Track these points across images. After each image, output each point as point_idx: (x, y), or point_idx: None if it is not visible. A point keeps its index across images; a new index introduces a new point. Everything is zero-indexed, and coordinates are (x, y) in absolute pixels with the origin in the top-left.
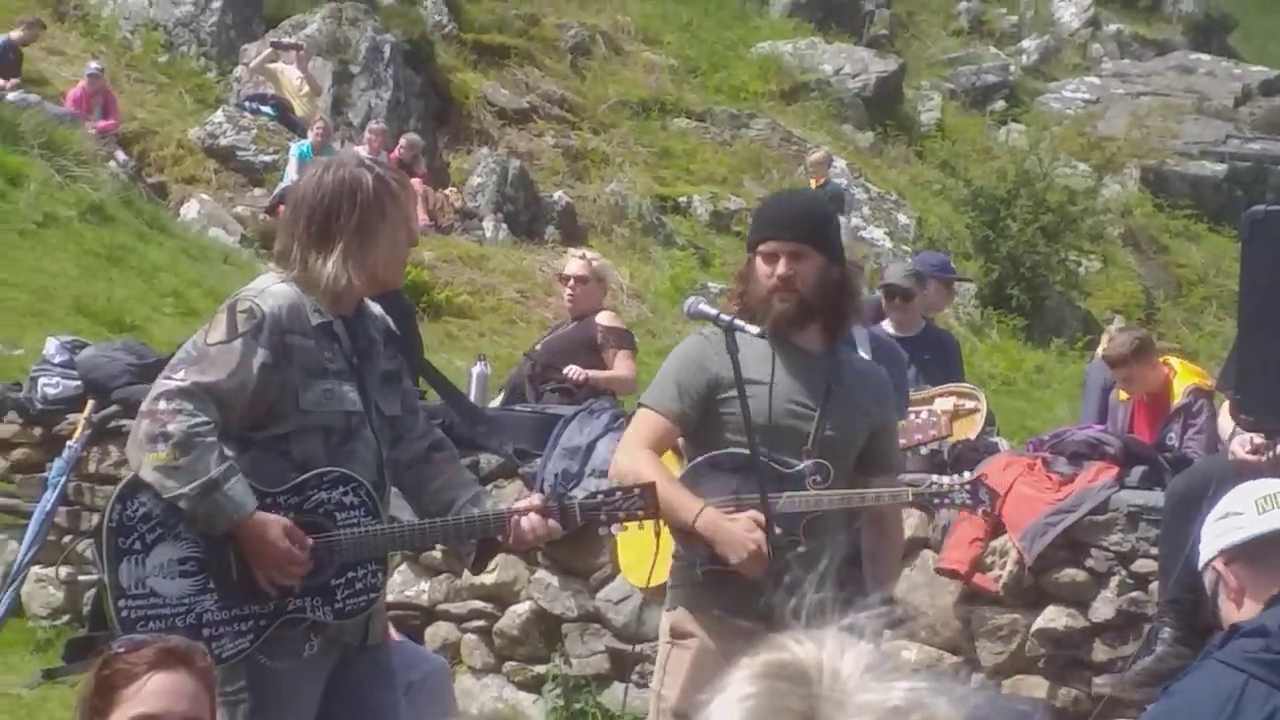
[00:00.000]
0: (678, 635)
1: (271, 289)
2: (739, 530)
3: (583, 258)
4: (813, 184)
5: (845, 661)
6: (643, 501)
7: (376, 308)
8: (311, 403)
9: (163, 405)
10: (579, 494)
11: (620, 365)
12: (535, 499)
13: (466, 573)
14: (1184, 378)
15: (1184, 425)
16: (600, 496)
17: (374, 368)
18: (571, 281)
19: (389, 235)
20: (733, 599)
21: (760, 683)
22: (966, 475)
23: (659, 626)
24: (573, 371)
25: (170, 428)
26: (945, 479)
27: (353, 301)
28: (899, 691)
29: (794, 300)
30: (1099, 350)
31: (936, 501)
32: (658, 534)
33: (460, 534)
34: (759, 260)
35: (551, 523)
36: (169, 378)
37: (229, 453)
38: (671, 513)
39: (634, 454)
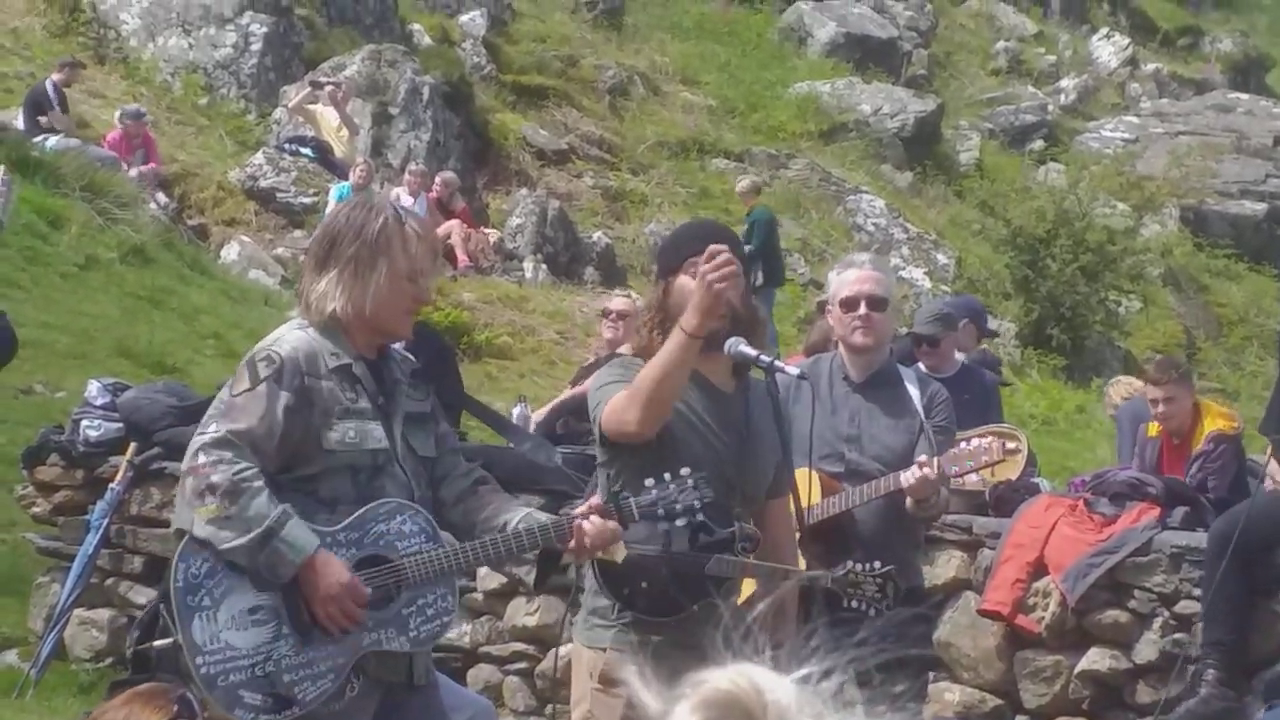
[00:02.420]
0: (606, 682)
1: (286, 336)
2: (703, 289)
3: (628, 295)
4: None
5: (784, 694)
6: (698, 492)
7: (401, 350)
8: (334, 443)
9: (202, 459)
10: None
11: None
12: (593, 500)
13: (508, 614)
14: (1209, 422)
15: (1201, 469)
16: (655, 492)
17: (399, 408)
18: (614, 315)
19: (389, 279)
20: (641, 636)
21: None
22: (878, 565)
23: (578, 664)
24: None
25: (214, 479)
26: (859, 567)
27: (362, 341)
28: None
29: (726, 315)
30: (1111, 397)
31: (850, 591)
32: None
33: (523, 546)
34: (683, 279)
35: (613, 524)
36: (202, 433)
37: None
38: (670, 362)
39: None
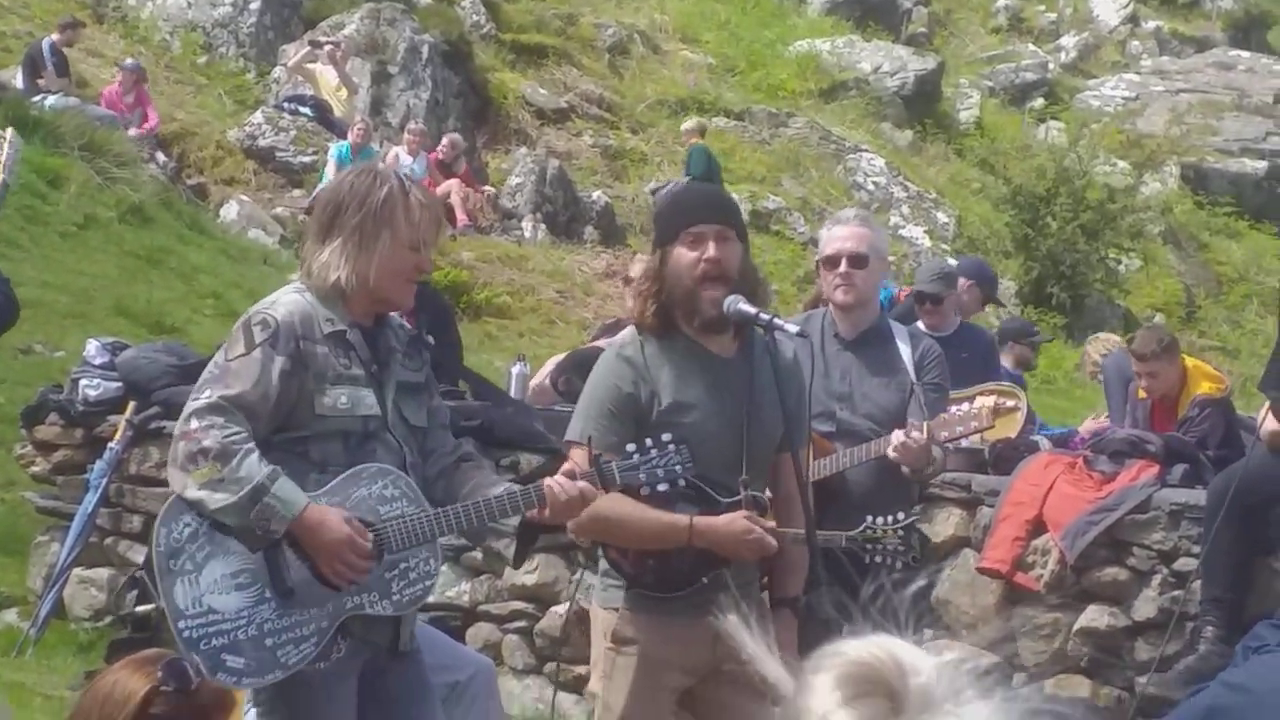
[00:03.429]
0: (620, 641)
1: (282, 299)
2: (737, 529)
3: (640, 259)
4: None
5: (926, 676)
6: (679, 457)
7: (398, 319)
8: (327, 408)
9: (194, 424)
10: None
11: (626, 331)
12: (567, 466)
13: (507, 573)
14: (1195, 385)
15: (1187, 433)
16: (637, 456)
17: (392, 376)
18: (629, 284)
19: (392, 248)
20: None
21: (857, 708)
22: (900, 516)
23: (594, 625)
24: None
25: (206, 443)
26: (879, 521)
27: (362, 309)
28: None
29: (723, 287)
30: (1091, 355)
31: (870, 547)
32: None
33: (504, 510)
34: (680, 249)
35: (582, 484)
36: (196, 398)
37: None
38: (662, 539)
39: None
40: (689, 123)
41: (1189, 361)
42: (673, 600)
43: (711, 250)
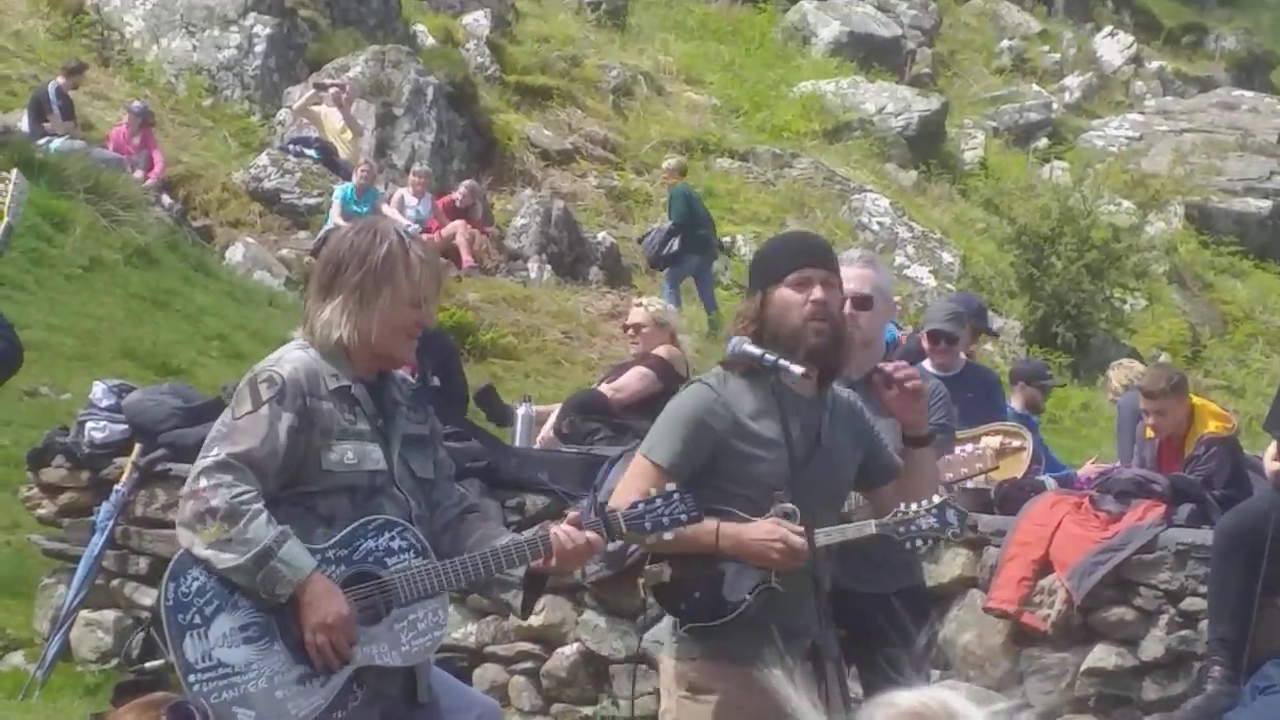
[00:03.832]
0: (695, 690)
1: (286, 357)
2: (761, 535)
3: (640, 305)
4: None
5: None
6: (684, 505)
7: (401, 373)
8: (333, 463)
9: (203, 483)
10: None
11: (625, 376)
12: (572, 513)
13: (513, 614)
14: (1202, 424)
15: (1193, 472)
16: (641, 505)
17: (398, 430)
18: (631, 330)
19: (393, 305)
20: (736, 645)
21: None
22: (935, 498)
23: (665, 676)
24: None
25: (214, 502)
26: (911, 505)
27: (364, 365)
28: None
29: (829, 329)
30: (1112, 382)
31: (902, 531)
32: (644, 595)
33: (510, 561)
34: (786, 290)
35: (590, 534)
36: (204, 457)
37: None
38: (692, 545)
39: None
40: (669, 161)
41: (1196, 400)
42: (729, 627)
43: (819, 293)
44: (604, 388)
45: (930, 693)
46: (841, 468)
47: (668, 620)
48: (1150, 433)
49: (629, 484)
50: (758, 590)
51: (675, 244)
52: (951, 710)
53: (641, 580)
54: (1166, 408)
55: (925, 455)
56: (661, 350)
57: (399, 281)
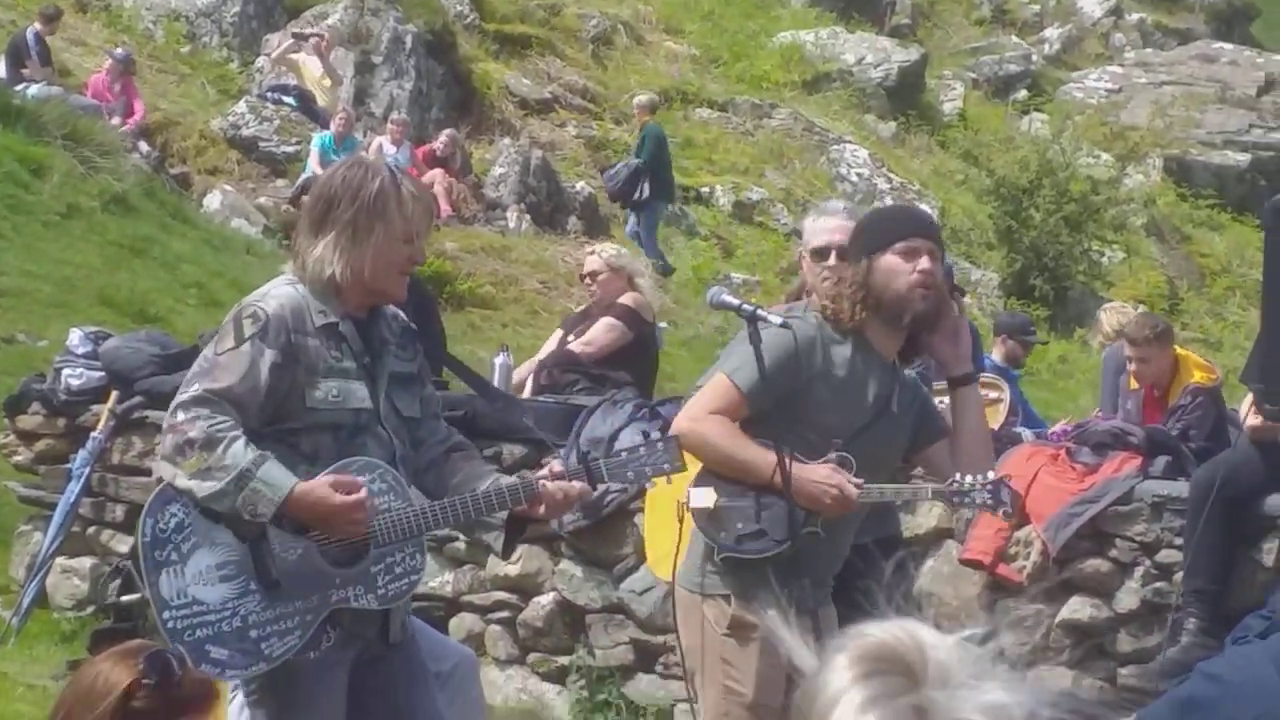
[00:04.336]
0: (739, 627)
1: (273, 292)
2: (819, 478)
3: (594, 253)
4: (637, 124)
5: (947, 654)
6: (667, 454)
7: (392, 308)
8: (318, 400)
9: (180, 416)
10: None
11: (593, 330)
12: (555, 465)
13: (490, 563)
14: (1187, 374)
15: (1179, 421)
16: (624, 454)
17: (385, 368)
18: (588, 279)
19: (386, 241)
20: (759, 582)
21: (870, 683)
22: (990, 475)
23: (691, 614)
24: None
25: (191, 434)
26: (968, 478)
27: (356, 301)
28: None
29: (934, 299)
30: (1103, 325)
31: (956, 499)
32: (681, 520)
33: (491, 506)
34: (894, 258)
35: (578, 484)
36: (183, 392)
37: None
38: (746, 468)
39: (698, 418)
40: (640, 97)
41: (1180, 352)
42: (762, 565)
43: (926, 263)
44: (574, 345)
45: (899, 623)
46: (900, 434)
47: (694, 554)
48: (1134, 383)
49: (704, 398)
50: (803, 533)
51: (646, 188)
52: (918, 638)
53: (682, 500)
54: (1150, 355)
55: (970, 395)
56: (626, 299)
57: (391, 217)
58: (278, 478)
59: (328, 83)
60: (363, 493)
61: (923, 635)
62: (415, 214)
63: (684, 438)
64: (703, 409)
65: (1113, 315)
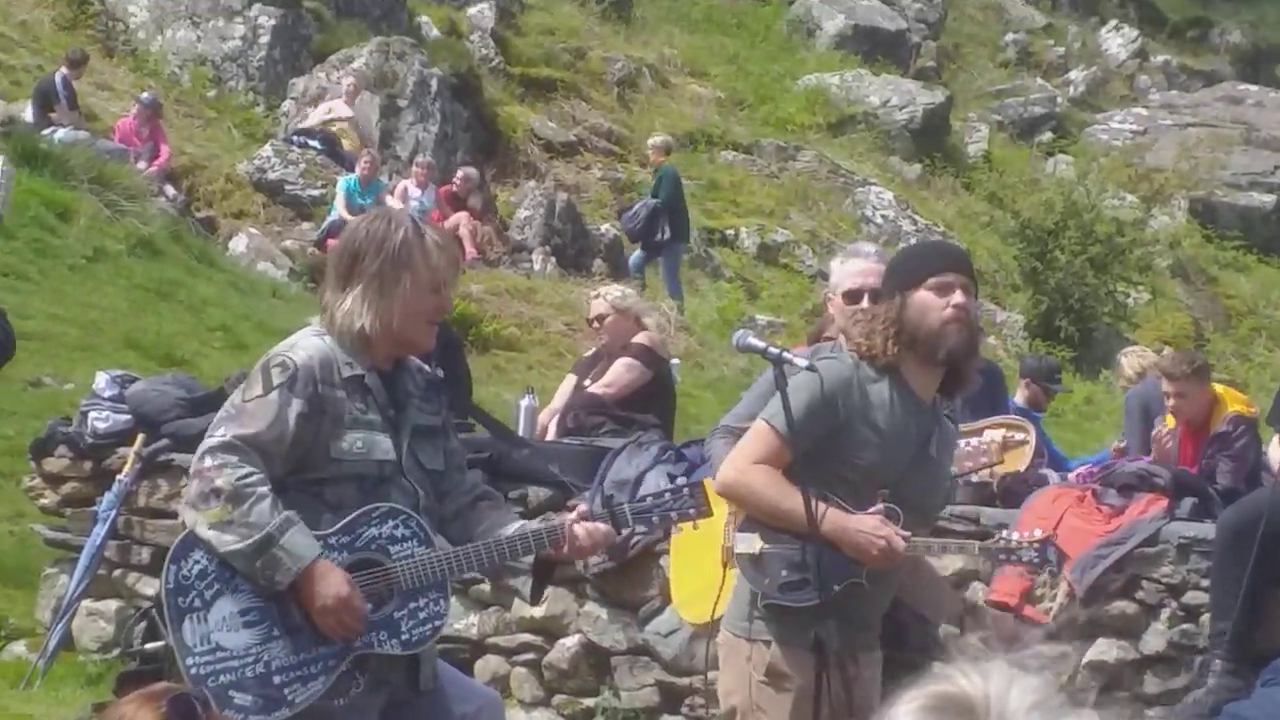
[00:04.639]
0: (774, 676)
1: (302, 343)
2: (866, 529)
3: (598, 296)
4: (653, 165)
5: (1012, 697)
6: (693, 500)
7: (417, 361)
8: (343, 452)
9: (208, 462)
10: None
11: (612, 371)
12: (582, 508)
13: (515, 605)
14: (1227, 405)
15: (1219, 451)
16: (649, 499)
17: (409, 420)
18: (595, 322)
19: (414, 291)
20: (801, 630)
21: (929, 717)
22: (1038, 533)
23: (733, 657)
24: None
25: (219, 483)
26: (1015, 535)
27: (381, 354)
28: None
29: (968, 334)
30: (1124, 369)
31: (1004, 558)
32: (725, 565)
33: (515, 552)
34: (927, 294)
35: (604, 527)
36: (211, 436)
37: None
38: (791, 518)
39: (743, 468)
40: (655, 139)
41: (1218, 388)
42: (806, 613)
43: (959, 298)
44: (594, 387)
45: (969, 668)
46: (940, 482)
47: (740, 599)
48: (1170, 421)
49: (747, 445)
50: (848, 583)
51: (666, 229)
52: (986, 682)
53: (727, 545)
54: (1187, 390)
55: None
56: (641, 338)
57: (417, 267)
58: (300, 547)
59: (344, 128)
60: (366, 608)
61: (987, 678)
62: (441, 263)
63: (729, 488)
64: (747, 458)
65: (1133, 359)
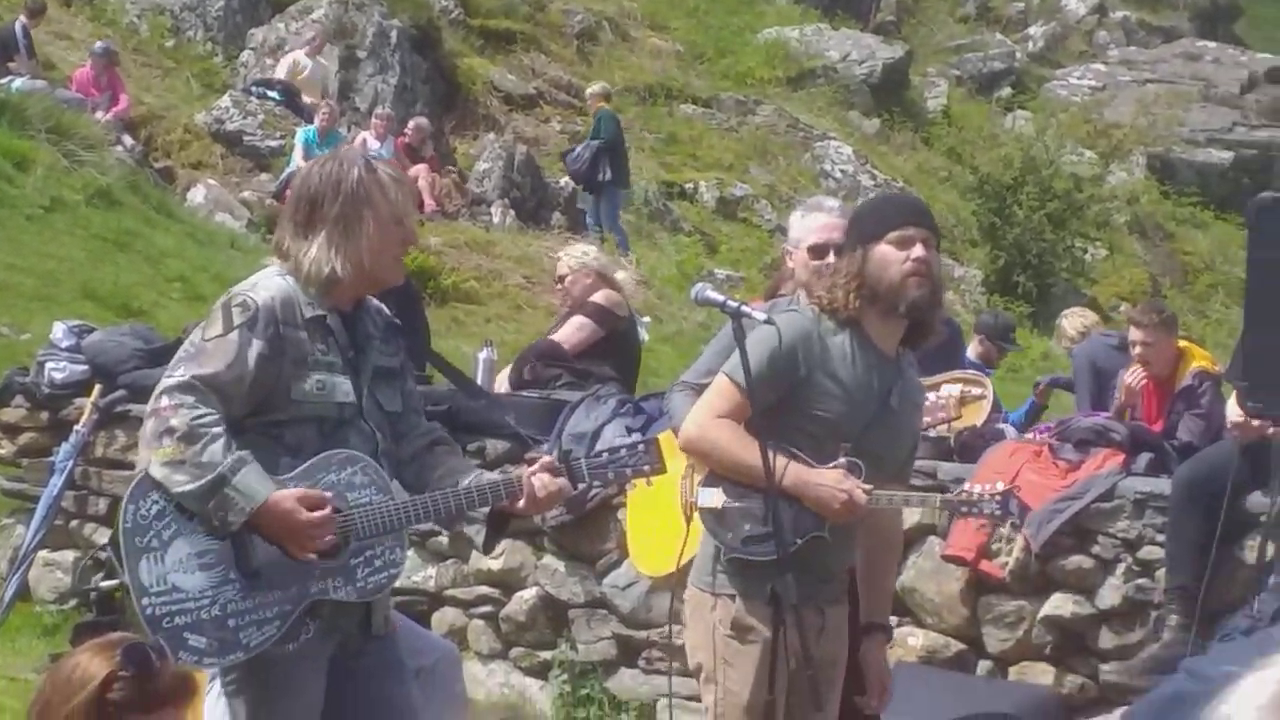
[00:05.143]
0: (740, 629)
1: (263, 282)
2: (828, 483)
3: (561, 257)
4: (592, 111)
5: None
6: (648, 457)
7: (376, 302)
8: (302, 394)
9: (165, 401)
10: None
11: (563, 330)
12: (544, 459)
13: (473, 558)
14: (1192, 360)
15: (1186, 407)
16: (605, 455)
17: (368, 362)
18: (558, 283)
19: (377, 228)
20: (764, 583)
21: None
22: (999, 486)
23: (699, 612)
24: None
25: (173, 422)
26: (977, 488)
27: (348, 295)
28: None
29: (929, 287)
30: (1067, 330)
31: (965, 510)
32: (689, 519)
33: (471, 503)
34: (887, 248)
35: (562, 480)
36: (169, 376)
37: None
38: (752, 473)
39: (705, 424)
40: (595, 87)
41: (1183, 344)
42: (768, 567)
43: (920, 251)
44: (543, 341)
45: None
46: (904, 435)
47: (705, 554)
48: (1138, 366)
49: (709, 400)
50: (809, 537)
51: (608, 170)
52: None
53: (690, 499)
54: (1155, 339)
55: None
56: (598, 296)
57: (377, 203)
58: (253, 486)
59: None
60: (328, 509)
61: None
62: (398, 196)
63: (691, 444)
64: (708, 413)
65: (1074, 319)
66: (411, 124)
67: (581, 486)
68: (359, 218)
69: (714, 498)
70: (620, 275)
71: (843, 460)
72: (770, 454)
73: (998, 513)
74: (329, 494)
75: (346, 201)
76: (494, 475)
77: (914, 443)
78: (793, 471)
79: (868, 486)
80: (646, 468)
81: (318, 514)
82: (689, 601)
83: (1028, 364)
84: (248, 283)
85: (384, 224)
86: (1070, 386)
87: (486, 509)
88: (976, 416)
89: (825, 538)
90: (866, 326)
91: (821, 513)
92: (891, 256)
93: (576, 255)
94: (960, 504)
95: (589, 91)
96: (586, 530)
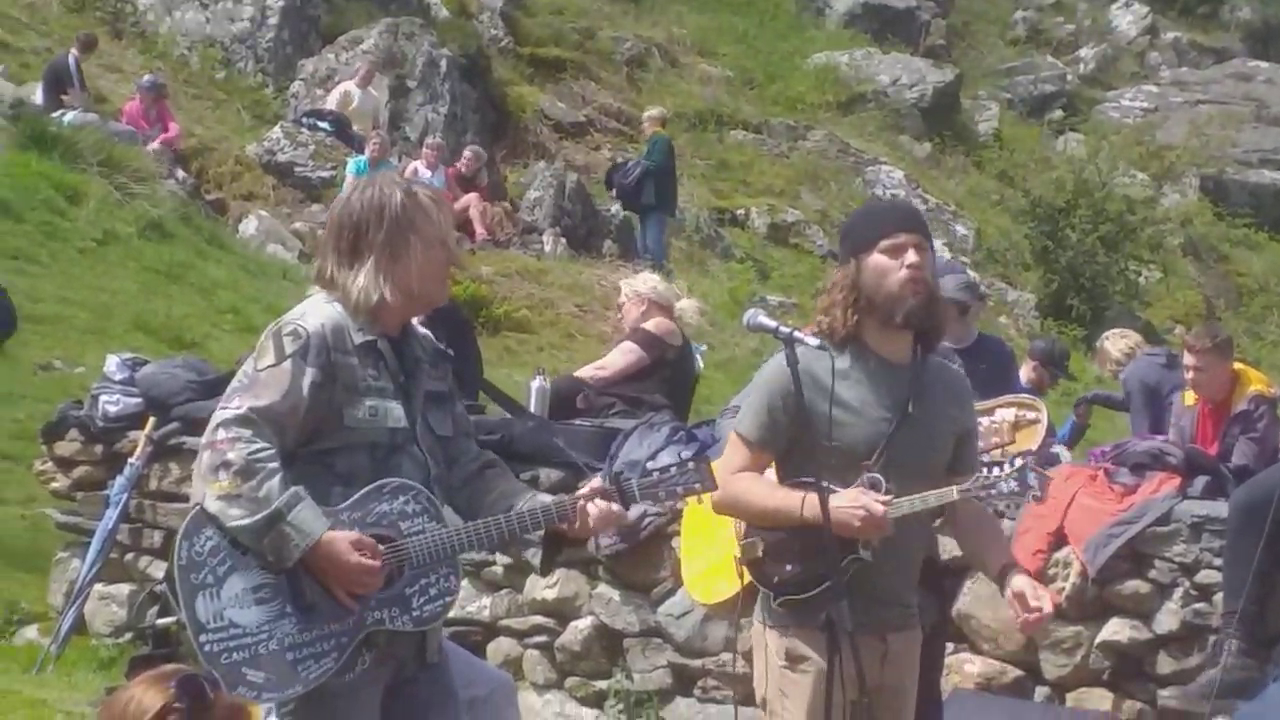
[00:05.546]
0: (794, 659)
1: (313, 310)
2: (844, 503)
3: (621, 286)
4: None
5: None
6: (698, 475)
7: (423, 330)
8: (355, 420)
9: (221, 434)
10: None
11: (612, 354)
12: (595, 483)
13: (528, 588)
14: (1248, 384)
15: (1241, 430)
16: (655, 474)
17: (419, 387)
18: (618, 310)
19: (423, 251)
20: (813, 613)
21: None
22: (1017, 461)
23: (759, 644)
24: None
25: (230, 455)
26: (994, 471)
27: (396, 320)
28: None
29: (925, 293)
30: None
31: (984, 494)
32: (741, 575)
33: (525, 527)
34: (880, 257)
35: (615, 506)
36: (224, 408)
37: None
38: (778, 515)
39: (725, 481)
40: (652, 110)
41: (1238, 366)
42: (821, 598)
43: (913, 257)
44: (586, 369)
45: None
46: (934, 439)
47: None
48: (1190, 399)
49: (725, 459)
50: (847, 561)
51: (652, 194)
52: None
53: (736, 555)
54: (1208, 365)
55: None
56: (650, 324)
57: (421, 226)
58: (309, 522)
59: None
60: (378, 561)
61: None
62: (440, 217)
63: (719, 507)
64: (725, 471)
65: (1117, 340)
66: (468, 151)
67: (636, 512)
68: (405, 242)
69: (754, 549)
70: (683, 303)
71: (864, 479)
72: (790, 490)
73: (1017, 489)
74: (380, 548)
75: (391, 227)
76: (547, 497)
77: (955, 438)
78: (810, 502)
79: (885, 498)
80: (697, 485)
81: (368, 561)
82: (753, 637)
83: (1081, 387)
84: (297, 311)
85: (430, 247)
86: (1110, 402)
87: (540, 532)
88: (1031, 440)
89: (865, 558)
90: (868, 339)
91: (845, 533)
92: (886, 266)
93: (634, 283)
94: (978, 490)
95: (646, 115)
96: (640, 559)
